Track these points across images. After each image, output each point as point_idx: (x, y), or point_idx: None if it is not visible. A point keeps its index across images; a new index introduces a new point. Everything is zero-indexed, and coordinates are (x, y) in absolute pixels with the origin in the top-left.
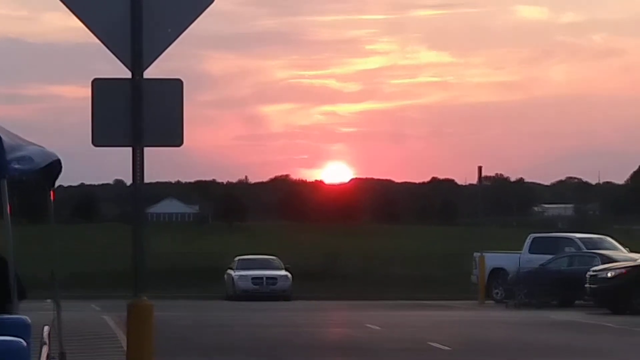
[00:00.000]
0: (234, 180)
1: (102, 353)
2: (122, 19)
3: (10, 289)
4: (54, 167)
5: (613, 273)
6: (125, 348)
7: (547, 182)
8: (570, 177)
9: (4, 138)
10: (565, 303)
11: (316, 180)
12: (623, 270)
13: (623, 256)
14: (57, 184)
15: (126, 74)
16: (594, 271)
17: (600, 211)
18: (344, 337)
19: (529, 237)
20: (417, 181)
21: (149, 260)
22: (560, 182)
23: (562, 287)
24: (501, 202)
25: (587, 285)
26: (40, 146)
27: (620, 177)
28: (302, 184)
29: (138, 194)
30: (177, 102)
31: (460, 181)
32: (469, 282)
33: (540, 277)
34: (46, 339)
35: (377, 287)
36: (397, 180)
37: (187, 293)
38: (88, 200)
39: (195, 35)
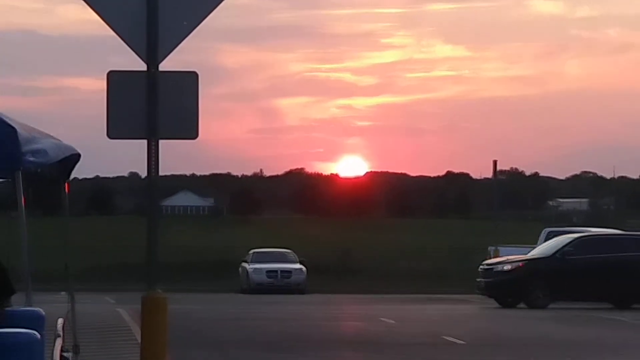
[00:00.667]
0: (249, 173)
1: (116, 346)
2: (138, 11)
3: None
4: (71, 160)
5: (510, 266)
6: (139, 341)
7: (562, 177)
8: (585, 172)
9: (19, 130)
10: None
11: (331, 174)
12: (520, 264)
13: None
14: (72, 176)
15: (142, 66)
16: (487, 265)
17: (615, 206)
18: (358, 331)
19: (543, 231)
20: (432, 175)
21: (164, 253)
22: (575, 176)
23: None
24: (516, 196)
25: (479, 279)
26: (57, 139)
27: (635, 172)
28: (318, 177)
29: (153, 187)
30: (193, 94)
31: (475, 175)
32: None
33: None
34: (60, 331)
35: (392, 281)
36: (412, 174)
37: (201, 286)
38: (103, 192)
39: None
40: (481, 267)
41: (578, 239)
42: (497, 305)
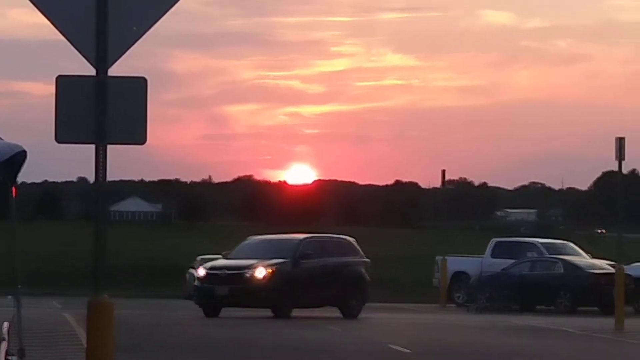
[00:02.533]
0: (198, 179)
1: (62, 350)
2: (87, 15)
3: None
4: (17, 160)
5: (261, 273)
6: (85, 345)
7: (510, 187)
8: (534, 182)
9: None
10: (526, 308)
11: (280, 181)
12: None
13: (585, 262)
14: (19, 180)
15: (91, 71)
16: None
17: (563, 217)
18: (303, 339)
19: (491, 242)
20: (380, 184)
21: (111, 258)
22: (524, 187)
23: (523, 292)
24: (464, 206)
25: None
26: (0, 138)
27: (583, 183)
28: (266, 184)
29: (100, 192)
30: (141, 100)
31: (423, 184)
32: (431, 285)
33: (502, 281)
34: (5, 335)
35: None
36: (361, 182)
37: (148, 291)
38: (51, 197)
39: (160, 33)
40: (206, 271)
41: (305, 239)
42: (442, 313)
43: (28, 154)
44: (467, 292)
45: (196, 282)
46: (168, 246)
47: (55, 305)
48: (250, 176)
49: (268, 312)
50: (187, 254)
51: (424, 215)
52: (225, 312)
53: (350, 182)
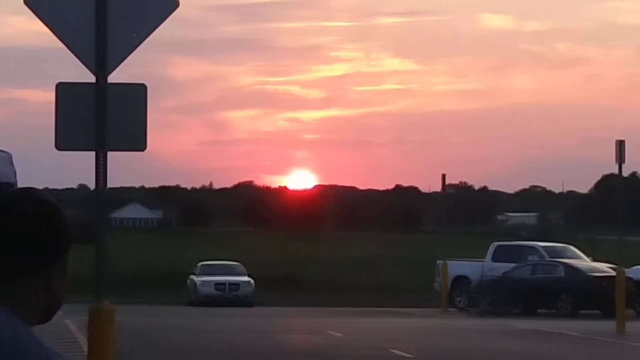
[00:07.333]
0: (198, 185)
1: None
2: (87, 23)
3: None
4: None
5: None
6: (86, 352)
7: (511, 191)
8: (534, 186)
9: None
10: (528, 311)
11: (280, 187)
12: None
13: (586, 265)
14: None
15: (90, 78)
16: None
17: (564, 220)
18: (305, 344)
19: (492, 245)
20: (380, 188)
21: (112, 265)
22: (524, 190)
23: (524, 296)
24: (465, 210)
25: None
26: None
27: (583, 187)
28: (266, 190)
29: (101, 199)
30: (141, 106)
31: (424, 189)
32: (432, 289)
33: (503, 285)
34: None
35: (340, 293)
36: (361, 187)
37: (149, 298)
38: None
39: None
40: None
41: None
42: (443, 317)
43: (28, 162)
44: (468, 296)
45: None
46: (169, 252)
47: None
48: (250, 182)
49: (267, 318)
50: (188, 260)
51: (425, 220)
52: (223, 318)
53: (350, 187)
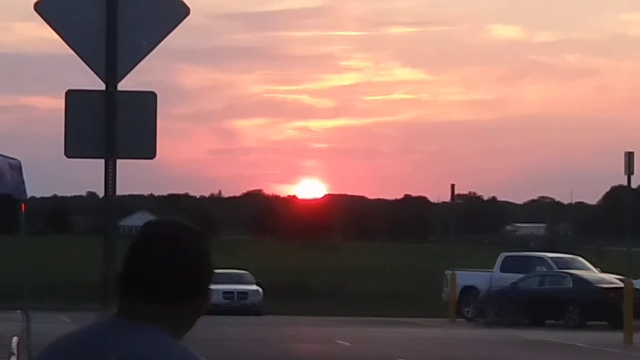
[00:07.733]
0: (207, 194)
1: None
2: (97, 30)
3: None
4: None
5: None
6: None
7: (519, 201)
8: (543, 197)
9: None
10: (536, 322)
11: (289, 196)
12: None
13: (594, 276)
14: (28, 194)
15: (100, 85)
16: None
17: (572, 231)
18: (313, 353)
19: (500, 256)
20: (390, 198)
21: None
22: (533, 201)
23: (532, 306)
24: (474, 221)
25: None
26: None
27: (592, 198)
28: (275, 199)
29: (110, 207)
30: (151, 114)
31: (432, 199)
32: (440, 299)
33: (511, 296)
34: (15, 350)
35: (348, 303)
36: (370, 196)
37: None
38: (60, 212)
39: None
40: None
41: None
42: (451, 327)
43: (37, 169)
44: (476, 307)
45: None
46: None
47: (64, 319)
48: (259, 190)
49: (275, 327)
50: None
51: (433, 230)
52: (231, 327)
53: (359, 196)
